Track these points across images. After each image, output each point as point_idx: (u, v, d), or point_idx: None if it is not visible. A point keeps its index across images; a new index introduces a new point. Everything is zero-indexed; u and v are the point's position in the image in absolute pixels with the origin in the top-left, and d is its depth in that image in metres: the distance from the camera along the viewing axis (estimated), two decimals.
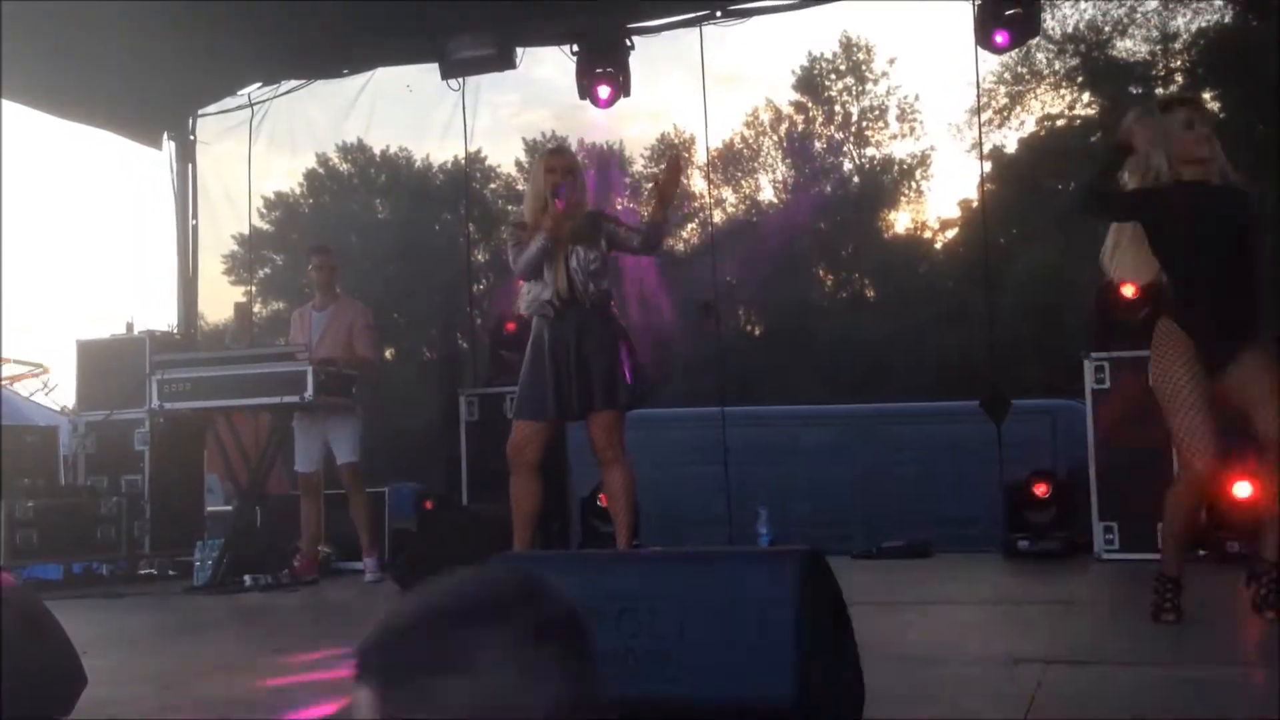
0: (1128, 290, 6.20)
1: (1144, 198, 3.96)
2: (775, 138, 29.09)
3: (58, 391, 7.73)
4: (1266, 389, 3.70)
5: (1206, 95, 17.43)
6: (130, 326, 7.89)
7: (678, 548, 4.19)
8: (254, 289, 25.40)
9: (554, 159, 5.16)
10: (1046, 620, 4.14)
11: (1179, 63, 21.14)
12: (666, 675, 2.16)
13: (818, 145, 28.72)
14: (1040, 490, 6.62)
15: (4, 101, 8.01)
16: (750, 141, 29.05)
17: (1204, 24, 20.19)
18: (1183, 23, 20.77)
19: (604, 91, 7.93)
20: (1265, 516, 3.89)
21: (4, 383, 6.95)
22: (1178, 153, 3.88)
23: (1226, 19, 19.44)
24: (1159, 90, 20.83)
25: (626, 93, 8.01)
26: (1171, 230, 3.88)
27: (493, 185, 28.19)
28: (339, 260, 7.50)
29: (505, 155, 27.85)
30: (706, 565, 2.41)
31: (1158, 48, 21.37)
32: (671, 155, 5.24)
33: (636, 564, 2.67)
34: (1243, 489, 5.78)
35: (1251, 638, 3.73)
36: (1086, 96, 23.04)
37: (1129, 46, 21.71)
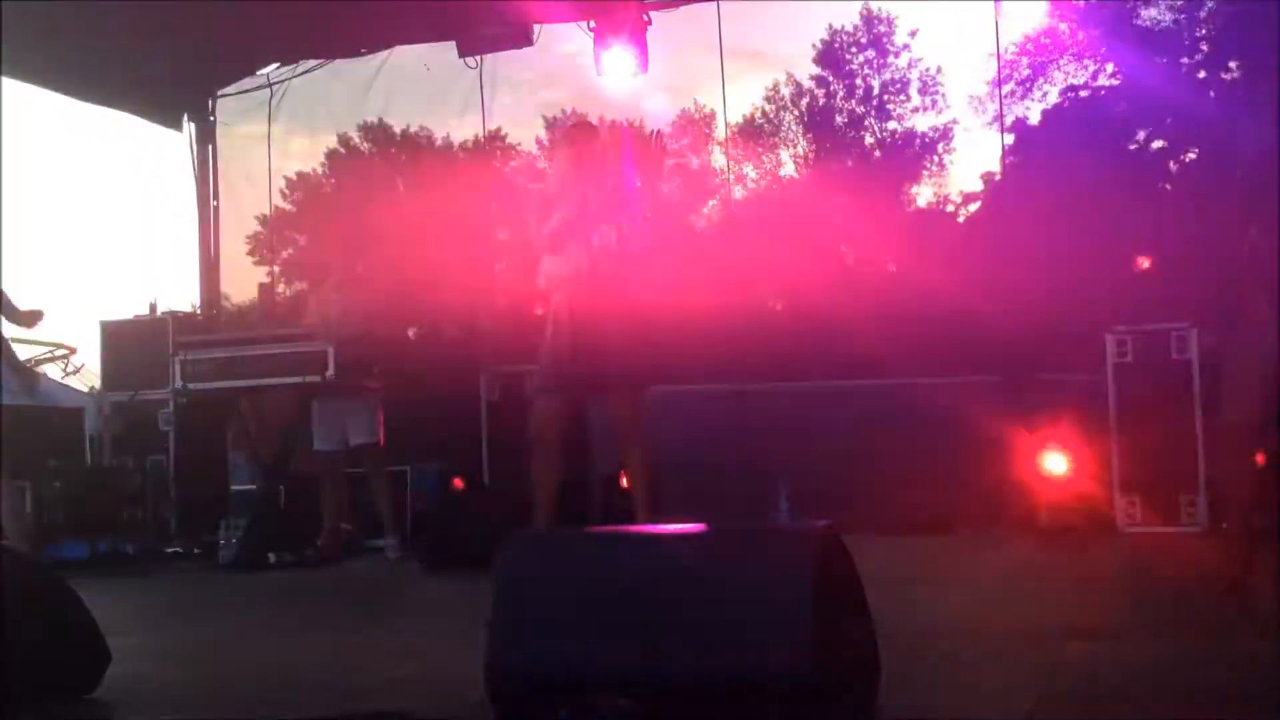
0: (1144, 262, 6.17)
1: None
2: (796, 112, 28.90)
3: (84, 372, 7.80)
4: None
5: (1232, 65, 17.22)
6: (154, 308, 7.95)
7: (697, 525, 4.19)
8: (277, 269, 25.55)
9: (573, 134, 5.18)
10: (1066, 594, 4.13)
11: (1203, 31, 20.88)
12: (681, 651, 2.17)
13: (839, 119, 28.51)
14: (1056, 463, 6.59)
15: (28, 86, 8.08)
16: (771, 116, 28.88)
17: None
18: None
19: (621, 67, 7.90)
20: None
21: (30, 364, 7.03)
22: None
23: None
24: (1183, 60, 20.61)
25: (644, 68, 7.98)
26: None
27: (514, 163, 28.13)
28: (359, 240, 7.52)
29: (526, 133, 27.71)
30: (724, 542, 2.42)
31: (1181, 17, 21.10)
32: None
33: (654, 541, 2.68)
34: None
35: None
36: (1110, 67, 22.78)
37: (1153, 15, 21.44)
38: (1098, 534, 6.07)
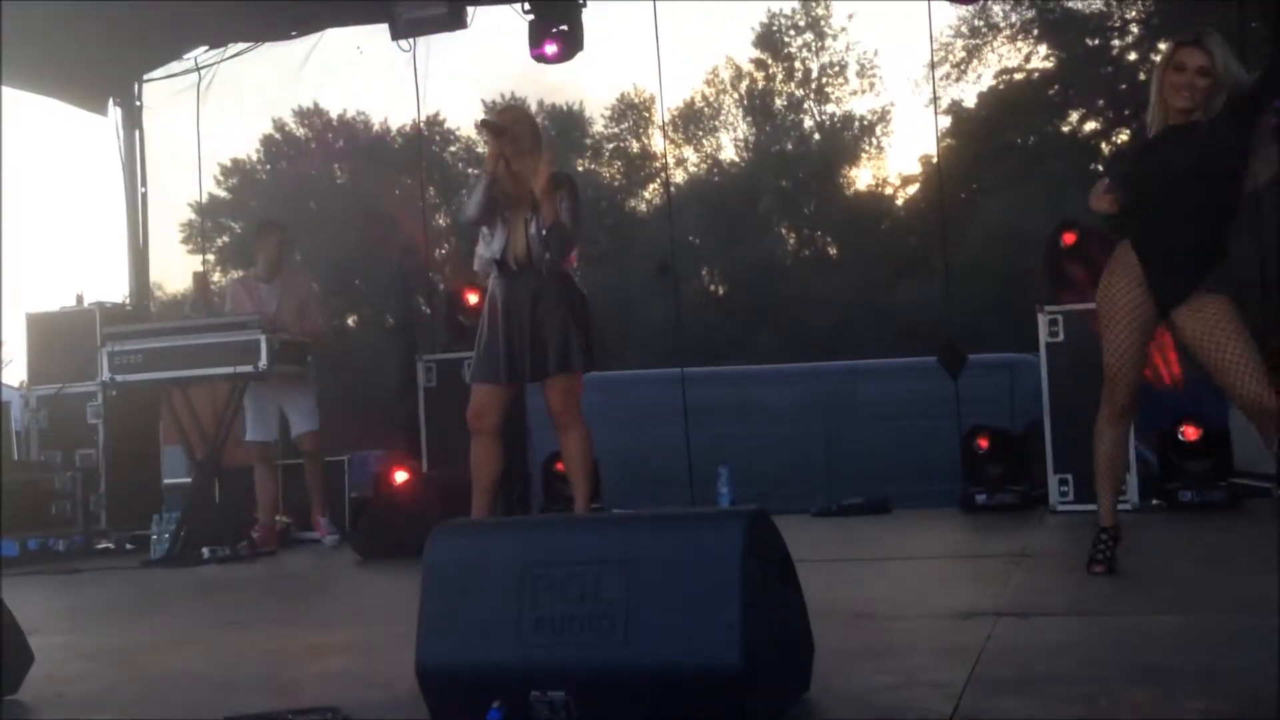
0: (1068, 237, 6.26)
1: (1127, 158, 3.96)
2: (735, 95, 28.94)
3: (12, 367, 7.64)
4: (1228, 335, 3.66)
5: (1162, 46, 17.47)
6: (80, 299, 7.78)
7: (629, 511, 4.19)
8: (212, 258, 25.14)
9: (501, 116, 5.15)
10: (999, 574, 4.17)
11: (1134, 13, 21.19)
12: (612, 640, 2.16)
13: (778, 103, 28.59)
14: (982, 444, 6.67)
15: None
16: (710, 100, 28.89)
17: None
18: None
19: (554, 50, 7.84)
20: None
21: None
22: (1166, 99, 3.82)
23: None
24: (1115, 42, 20.90)
25: (579, 48, 7.94)
26: (1141, 171, 3.84)
27: (452, 148, 27.89)
28: (296, 228, 7.43)
29: (464, 118, 27.52)
30: (651, 528, 2.40)
31: None
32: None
33: (582, 528, 2.67)
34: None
35: (1202, 588, 3.78)
36: (1043, 49, 23.07)
37: None
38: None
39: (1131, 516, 5.46)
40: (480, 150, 25.26)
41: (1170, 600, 3.56)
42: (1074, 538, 5.27)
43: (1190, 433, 6.25)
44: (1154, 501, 6.22)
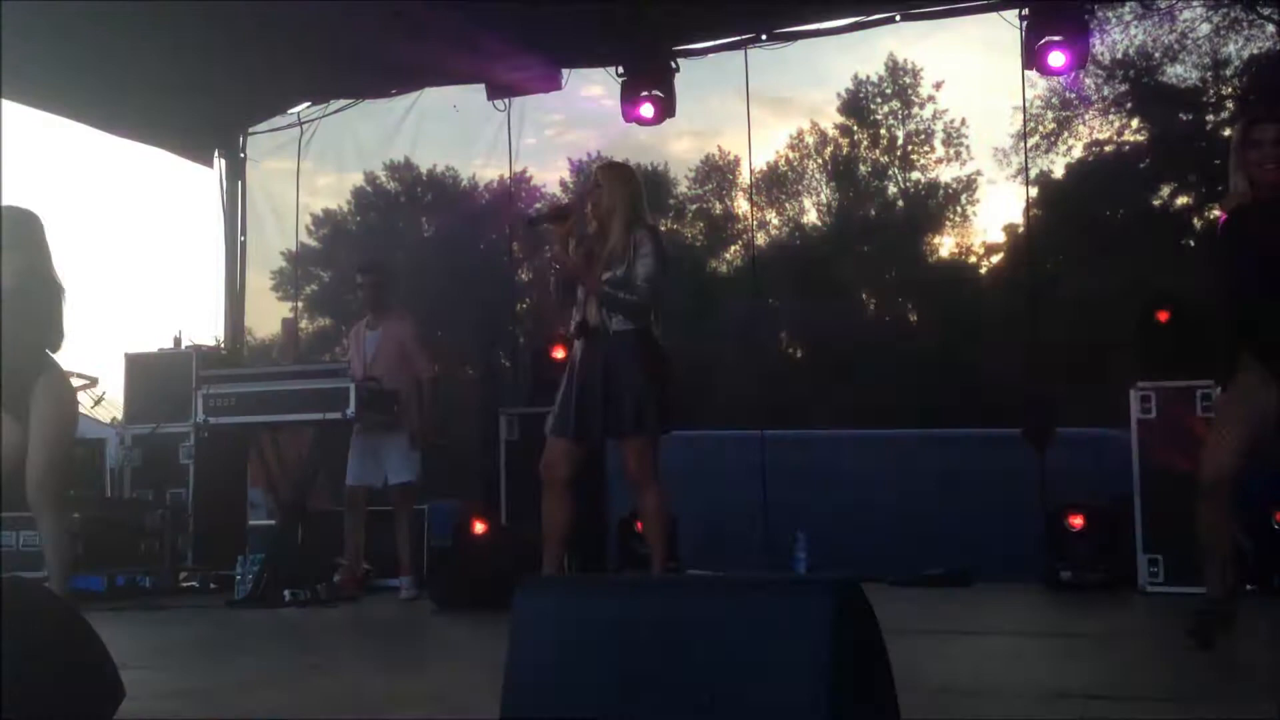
0: (1162, 316, 6.15)
1: (1220, 231, 3.90)
2: (820, 160, 29.00)
3: (106, 404, 7.85)
4: None
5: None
6: (178, 341, 8.00)
7: (712, 573, 4.17)
8: (300, 305, 25.68)
9: (598, 174, 5.17)
10: (1087, 653, 4.07)
11: (1229, 89, 20.90)
12: (695, 704, 2.14)
13: (862, 169, 28.60)
14: (1076, 521, 6.53)
15: (61, 119, 8.22)
16: (794, 164, 29.00)
17: (1255, 50, 19.97)
18: (1234, 49, 20.56)
19: (648, 112, 7.97)
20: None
21: None
22: (1251, 174, 3.78)
23: (1278, 45, 19.20)
24: (1209, 117, 20.61)
25: (671, 113, 8.05)
26: (1239, 255, 3.79)
27: (538, 205, 28.25)
28: (386, 277, 7.54)
29: (551, 175, 27.93)
30: (740, 593, 2.39)
31: (1208, 74, 21.15)
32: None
33: (668, 589, 2.66)
34: None
35: None
36: (1135, 122, 22.82)
37: (1179, 72, 21.50)
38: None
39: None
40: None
41: (1267, 689, 3.44)
42: (1164, 619, 5.14)
43: None
44: (1249, 587, 6.03)
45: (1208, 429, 3.83)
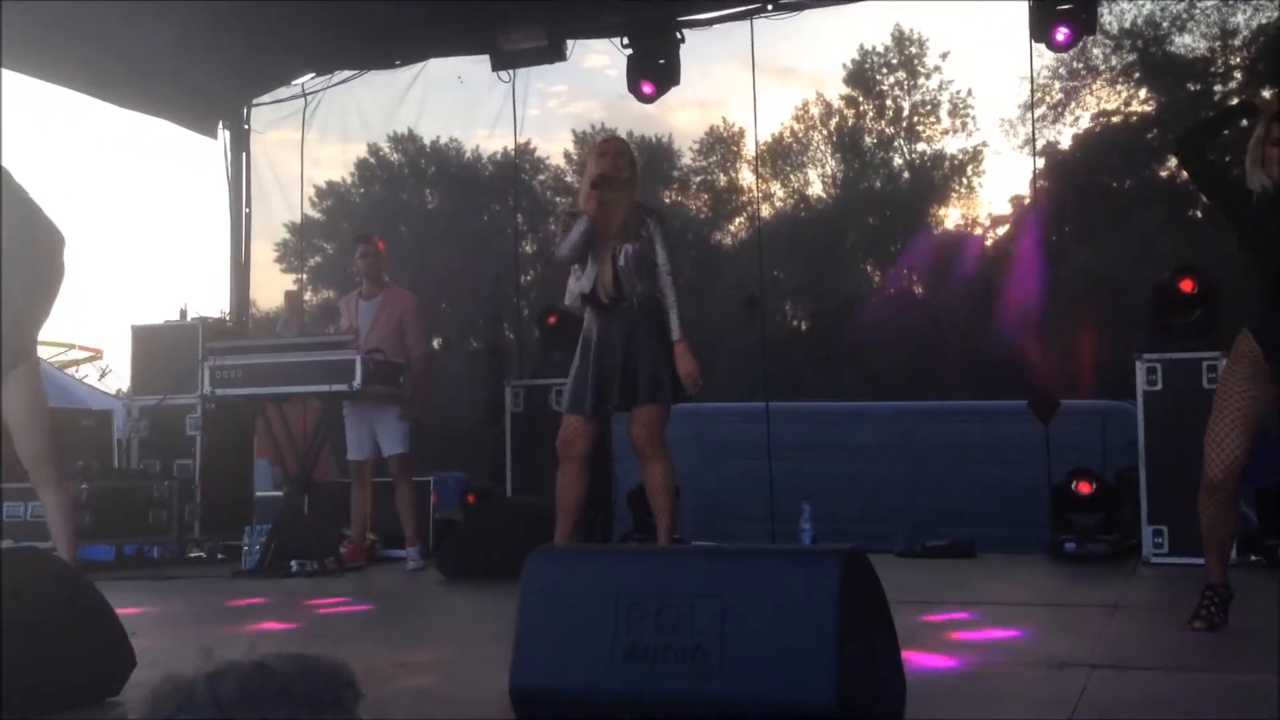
0: (1185, 286, 6.13)
1: (1228, 191, 3.89)
2: (825, 131, 28.87)
3: (112, 376, 7.88)
4: None
5: (1265, 93, 17.11)
6: (184, 313, 8.01)
7: (719, 544, 4.19)
8: (305, 277, 25.69)
9: (605, 146, 5.19)
10: (1092, 624, 4.09)
11: (1238, 59, 20.78)
12: (704, 673, 2.17)
13: (868, 140, 28.47)
14: (1082, 489, 6.54)
15: (63, 90, 8.21)
16: (800, 135, 28.87)
17: (1264, 20, 19.83)
18: (1242, 19, 20.44)
19: (652, 83, 7.94)
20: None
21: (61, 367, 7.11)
22: (1271, 173, 3.77)
23: None
24: (1218, 88, 20.47)
25: (676, 82, 8.03)
26: (1256, 240, 3.78)
27: (541, 176, 28.20)
28: (387, 249, 7.54)
29: (555, 146, 27.86)
30: (748, 563, 2.41)
31: (1216, 44, 21.02)
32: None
33: (677, 559, 2.68)
34: None
35: None
36: (1143, 93, 22.70)
37: (1187, 42, 21.38)
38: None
39: (1230, 573, 5.30)
40: (568, 180, 25.55)
41: (1269, 658, 3.45)
42: (1168, 590, 5.16)
43: None
44: (1253, 558, 6.05)
45: (1209, 419, 3.80)
